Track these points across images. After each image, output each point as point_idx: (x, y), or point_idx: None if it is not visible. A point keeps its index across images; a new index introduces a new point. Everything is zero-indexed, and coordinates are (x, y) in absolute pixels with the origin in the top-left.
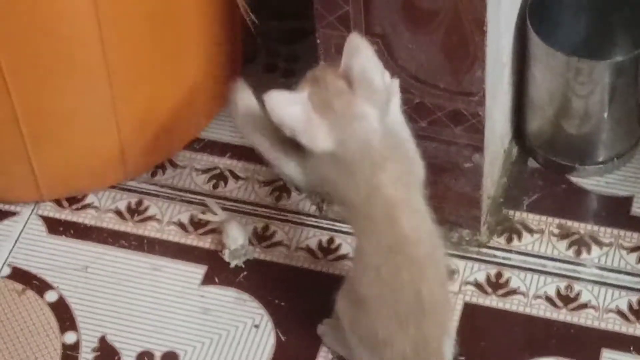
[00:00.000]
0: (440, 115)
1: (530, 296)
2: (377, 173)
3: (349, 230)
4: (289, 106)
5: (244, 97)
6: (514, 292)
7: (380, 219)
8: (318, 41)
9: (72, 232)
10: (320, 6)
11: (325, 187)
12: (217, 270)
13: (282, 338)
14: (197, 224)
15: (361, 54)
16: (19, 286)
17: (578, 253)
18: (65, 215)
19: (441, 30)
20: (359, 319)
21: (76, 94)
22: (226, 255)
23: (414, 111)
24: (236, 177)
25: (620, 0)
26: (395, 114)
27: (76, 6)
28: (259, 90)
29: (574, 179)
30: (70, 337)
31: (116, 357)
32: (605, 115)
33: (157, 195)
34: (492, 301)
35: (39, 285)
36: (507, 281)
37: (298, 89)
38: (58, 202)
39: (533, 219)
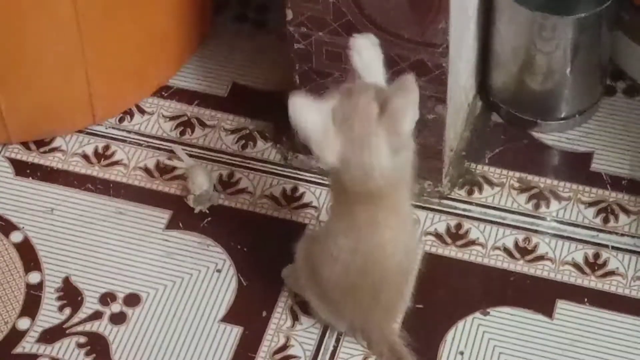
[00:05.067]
0: (404, 66)
1: (489, 247)
2: (372, 207)
3: (313, 179)
4: (310, 113)
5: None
6: (472, 243)
7: (365, 227)
8: None
9: (38, 174)
10: None
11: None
12: (182, 216)
13: (244, 283)
14: (162, 170)
15: (410, 96)
16: None
17: (537, 206)
18: (33, 157)
19: None
20: (315, 284)
21: (45, 36)
22: (191, 201)
23: None
24: (203, 125)
25: None
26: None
27: None
28: (228, 40)
29: (535, 134)
30: (34, 277)
31: (79, 298)
32: (568, 71)
33: (124, 141)
34: (451, 251)
35: (5, 226)
36: (467, 232)
37: (327, 97)
38: (25, 145)
39: (494, 172)
